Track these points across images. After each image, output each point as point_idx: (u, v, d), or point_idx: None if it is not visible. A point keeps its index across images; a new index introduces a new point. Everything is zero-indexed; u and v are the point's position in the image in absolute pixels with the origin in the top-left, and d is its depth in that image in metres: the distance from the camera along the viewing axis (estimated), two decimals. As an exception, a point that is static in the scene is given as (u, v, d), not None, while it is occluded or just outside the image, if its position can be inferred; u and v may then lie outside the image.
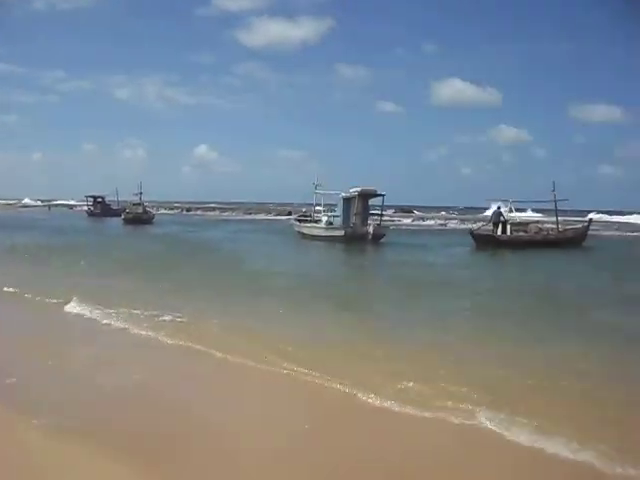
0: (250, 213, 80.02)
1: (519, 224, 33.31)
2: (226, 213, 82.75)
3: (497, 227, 31.31)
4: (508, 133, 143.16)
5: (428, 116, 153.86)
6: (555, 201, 32.71)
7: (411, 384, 7.21)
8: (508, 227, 31.36)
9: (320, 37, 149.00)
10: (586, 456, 5.40)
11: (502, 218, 31.52)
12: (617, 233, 47.47)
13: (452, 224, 59.97)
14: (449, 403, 6.63)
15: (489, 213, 35.41)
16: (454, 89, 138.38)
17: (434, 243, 34.57)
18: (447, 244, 33.82)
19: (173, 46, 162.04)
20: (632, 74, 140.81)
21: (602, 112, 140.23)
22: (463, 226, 53.79)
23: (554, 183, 32.54)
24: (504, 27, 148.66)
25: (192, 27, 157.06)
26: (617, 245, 35.63)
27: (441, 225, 60.20)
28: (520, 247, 29.94)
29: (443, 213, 79.96)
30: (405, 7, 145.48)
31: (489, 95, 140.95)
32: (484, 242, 30.99)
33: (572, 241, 31.21)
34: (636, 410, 6.87)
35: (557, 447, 5.57)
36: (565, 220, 39.66)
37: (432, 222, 63.99)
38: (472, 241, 31.62)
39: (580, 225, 34.27)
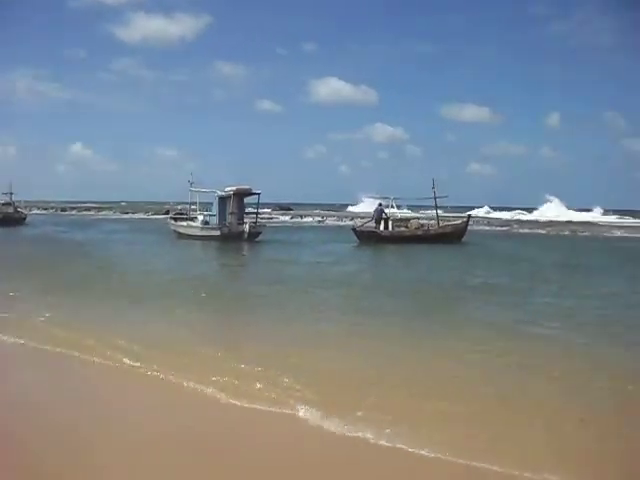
0: (127, 212, 77.48)
1: (400, 220, 34.68)
2: (103, 212, 79.86)
3: (379, 223, 32.77)
4: (384, 131, 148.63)
5: (307, 114, 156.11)
6: (435, 198, 34.48)
7: (240, 379, 7.51)
8: (390, 223, 32.88)
9: (198, 34, 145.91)
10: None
11: (384, 215, 32.98)
12: (487, 228, 50.92)
13: (330, 221, 62.35)
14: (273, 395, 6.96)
15: (353, 209, 36.76)
16: (331, 88, 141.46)
17: (312, 239, 35.51)
18: (327, 240, 34.86)
19: (44, 38, 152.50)
20: (498, 76, 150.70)
21: (471, 112, 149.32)
22: (341, 223, 56.74)
23: (434, 180, 34.44)
24: (379, 27, 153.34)
25: (64, 19, 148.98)
26: (490, 239, 38.02)
27: (319, 222, 61.93)
28: (402, 242, 31.41)
29: (318, 210, 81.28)
30: (284, 6, 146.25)
31: (365, 94, 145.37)
32: (367, 238, 32.28)
33: (452, 236, 32.93)
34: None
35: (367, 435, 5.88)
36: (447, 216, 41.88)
37: (310, 219, 65.57)
38: (355, 237, 32.78)
39: (460, 221, 36.10)
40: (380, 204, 34.01)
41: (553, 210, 69.72)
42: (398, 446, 5.61)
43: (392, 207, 35.12)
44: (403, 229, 33.52)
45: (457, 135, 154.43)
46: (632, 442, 5.93)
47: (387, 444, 5.67)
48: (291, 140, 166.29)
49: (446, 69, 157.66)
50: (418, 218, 37.09)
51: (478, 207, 74.24)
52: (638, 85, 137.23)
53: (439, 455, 5.42)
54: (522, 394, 7.24)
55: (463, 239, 33.58)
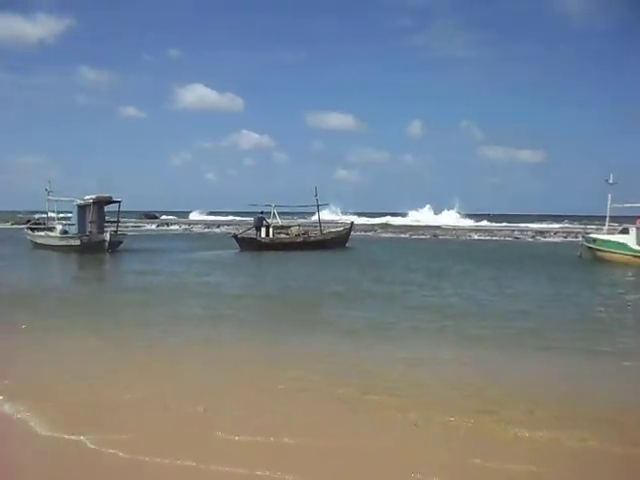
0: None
1: (281, 227, 35.73)
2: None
3: (260, 231, 34.05)
4: (250, 138, 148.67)
5: (172, 121, 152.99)
6: (318, 205, 36.77)
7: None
8: (270, 230, 34.08)
9: (59, 37, 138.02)
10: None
11: (265, 222, 34.31)
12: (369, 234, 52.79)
13: (197, 228, 62.39)
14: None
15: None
16: (197, 95, 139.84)
17: (178, 248, 34.78)
18: (200, 248, 34.51)
19: None
20: (362, 84, 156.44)
21: (336, 120, 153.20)
22: (207, 230, 57.47)
23: (316, 189, 36.39)
24: (245, 33, 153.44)
25: None
26: (371, 245, 39.75)
27: (186, 230, 61.45)
28: (282, 249, 32.36)
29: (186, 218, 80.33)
30: (149, 10, 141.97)
31: (231, 101, 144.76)
32: (248, 245, 33.31)
33: (335, 242, 34.76)
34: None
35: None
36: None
37: (177, 227, 65.41)
38: (237, 244, 33.61)
39: (342, 228, 38.04)
40: (261, 212, 35.23)
41: (422, 215, 74.29)
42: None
43: (274, 215, 36.30)
44: (283, 236, 34.51)
45: (324, 142, 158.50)
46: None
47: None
48: (157, 147, 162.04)
49: (312, 77, 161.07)
50: (299, 225, 38.14)
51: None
52: (491, 97, 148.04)
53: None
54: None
55: (347, 245, 35.47)
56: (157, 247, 35.17)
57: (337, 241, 35.10)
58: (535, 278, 20.93)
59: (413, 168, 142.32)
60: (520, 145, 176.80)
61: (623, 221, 28.76)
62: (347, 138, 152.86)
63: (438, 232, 52.68)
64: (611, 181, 29.38)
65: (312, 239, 34.94)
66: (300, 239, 34.29)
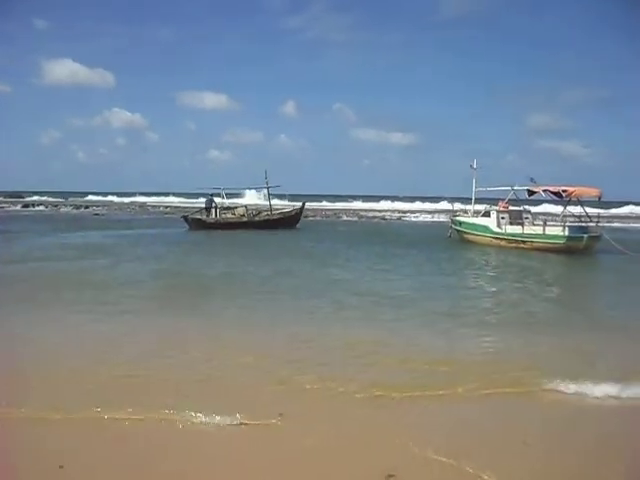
0: None
1: (228, 208, 40.01)
2: None
3: (209, 211, 38.69)
4: (122, 117, 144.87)
5: (40, 97, 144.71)
6: (268, 187, 40.38)
7: None
8: (217, 211, 38.64)
9: None
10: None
11: (214, 204, 38.85)
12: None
13: (64, 209, 63.52)
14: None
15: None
16: (66, 69, 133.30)
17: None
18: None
19: None
20: (236, 64, 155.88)
21: (210, 100, 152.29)
22: (76, 211, 56.69)
23: (266, 172, 39.96)
24: (118, 6, 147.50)
25: None
26: (324, 225, 44.26)
27: (53, 209, 62.70)
28: (229, 228, 36.69)
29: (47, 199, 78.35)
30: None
31: (102, 77, 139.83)
32: (196, 225, 37.81)
33: (282, 223, 38.48)
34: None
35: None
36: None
37: (43, 207, 65.94)
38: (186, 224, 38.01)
39: (291, 209, 41.49)
40: (211, 194, 39.73)
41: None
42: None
43: (222, 197, 41.10)
44: (230, 216, 38.62)
45: (197, 122, 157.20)
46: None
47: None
48: (24, 124, 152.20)
49: (185, 55, 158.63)
50: (245, 206, 40.79)
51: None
52: (363, 80, 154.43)
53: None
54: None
55: (298, 225, 39.61)
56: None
57: (285, 222, 38.85)
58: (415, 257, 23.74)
59: (288, 149, 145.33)
60: (391, 128, 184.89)
61: (490, 203, 32.40)
62: (221, 118, 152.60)
63: (308, 213, 55.34)
64: (475, 166, 33.26)
65: (257, 219, 38.64)
66: (245, 219, 38.21)
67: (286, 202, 50.51)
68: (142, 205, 74.20)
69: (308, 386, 8.15)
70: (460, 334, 11.34)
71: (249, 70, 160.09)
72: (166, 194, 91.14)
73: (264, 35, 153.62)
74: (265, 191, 42.36)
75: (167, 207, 68.35)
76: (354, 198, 77.58)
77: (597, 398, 7.91)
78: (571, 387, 8.13)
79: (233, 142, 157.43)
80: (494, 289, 17.51)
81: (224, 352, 9.79)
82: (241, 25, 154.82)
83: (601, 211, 31.44)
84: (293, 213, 40.54)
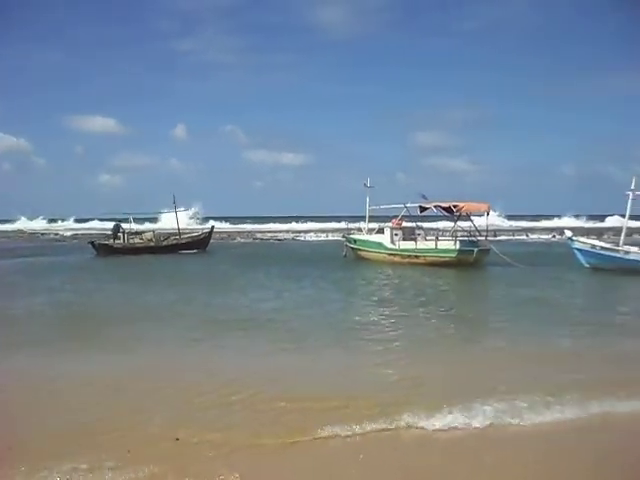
0: None
1: (135, 233, 39.95)
2: None
3: (116, 237, 38.50)
4: (6, 142, 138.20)
5: None
6: (176, 211, 41.14)
7: None
8: (125, 236, 38.51)
9: None
10: None
11: (121, 229, 38.71)
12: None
13: None
14: None
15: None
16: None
17: None
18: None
19: None
20: (126, 88, 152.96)
21: (99, 124, 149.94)
22: None
23: (174, 196, 40.77)
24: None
25: None
26: (233, 248, 44.04)
27: None
28: (136, 253, 36.62)
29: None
30: None
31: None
32: (103, 250, 37.28)
33: (191, 246, 38.78)
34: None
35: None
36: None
37: None
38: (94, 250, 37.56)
39: (200, 232, 42.16)
40: (119, 221, 39.69)
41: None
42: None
43: (130, 222, 40.75)
44: (137, 241, 38.50)
45: (86, 147, 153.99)
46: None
47: None
48: None
49: (72, 78, 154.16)
50: (153, 231, 41.25)
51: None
52: (254, 102, 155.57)
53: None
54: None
55: (207, 248, 39.89)
56: None
57: (193, 245, 39.14)
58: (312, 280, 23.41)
59: (179, 172, 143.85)
60: (283, 148, 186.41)
61: (384, 221, 32.68)
62: (110, 142, 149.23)
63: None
64: (368, 184, 33.73)
65: (164, 244, 38.81)
66: (152, 243, 38.30)
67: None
68: (33, 232, 69.63)
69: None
70: (354, 362, 10.97)
71: (139, 93, 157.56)
72: (54, 220, 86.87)
73: (153, 57, 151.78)
74: (182, 214, 43.36)
75: (56, 234, 64.86)
76: (246, 219, 77.33)
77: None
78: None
79: (123, 166, 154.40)
80: (387, 309, 16.88)
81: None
82: (129, 48, 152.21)
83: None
84: (202, 236, 40.83)
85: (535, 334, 13.00)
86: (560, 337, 12.77)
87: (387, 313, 15.86)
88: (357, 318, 15.11)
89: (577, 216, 76.82)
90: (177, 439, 7.12)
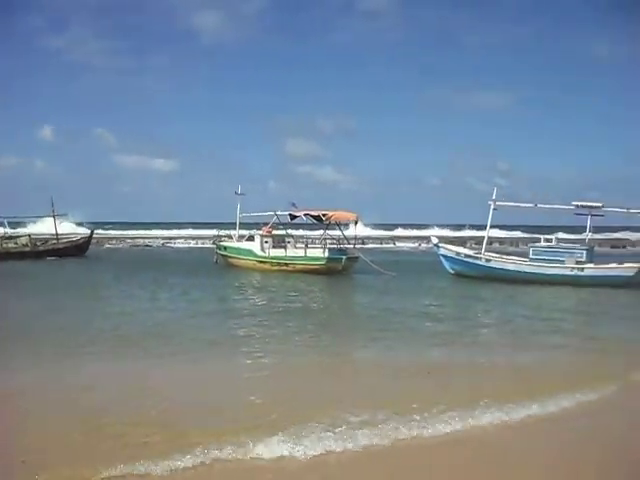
0: None
1: (10, 237, 38.41)
2: None
3: None
4: None
5: None
6: (54, 215, 39.76)
7: None
8: None
9: None
10: None
11: None
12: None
13: None
14: None
15: None
16: None
17: None
18: None
19: None
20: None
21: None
22: None
23: (52, 198, 39.73)
24: None
25: None
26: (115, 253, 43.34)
27: None
28: (10, 258, 34.70)
29: None
30: None
31: None
32: None
33: (69, 251, 37.45)
34: None
35: None
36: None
37: None
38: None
39: (79, 237, 40.97)
40: None
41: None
42: None
43: (4, 226, 40.19)
44: (12, 245, 37.09)
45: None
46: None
47: None
48: None
49: None
50: (29, 235, 39.78)
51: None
52: (124, 105, 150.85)
53: None
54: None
55: (87, 253, 38.93)
56: None
57: (72, 250, 37.73)
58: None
59: (46, 175, 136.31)
60: (154, 154, 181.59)
61: (254, 228, 32.82)
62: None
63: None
64: (239, 192, 33.77)
65: (41, 248, 37.93)
66: (27, 248, 37.09)
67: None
68: None
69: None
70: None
71: (2, 90, 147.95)
72: None
73: (18, 55, 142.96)
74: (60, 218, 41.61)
75: None
76: (115, 225, 74.56)
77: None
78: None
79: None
80: (255, 319, 16.36)
81: None
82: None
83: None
84: (81, 241, 39.78)
85: (406, 346, 13.11)
86: (431, 347, 13.05)
87: (254, 325, 15.40)
88: (221, 330, 14.72)
89: (442, 225, 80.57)
90: None
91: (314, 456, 6.94)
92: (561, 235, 42.90)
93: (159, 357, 11.74)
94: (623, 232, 71.28)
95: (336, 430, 7.57)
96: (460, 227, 76.50)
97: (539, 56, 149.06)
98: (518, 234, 66.92)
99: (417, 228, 79.99)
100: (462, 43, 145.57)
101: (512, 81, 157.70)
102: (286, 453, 6.96)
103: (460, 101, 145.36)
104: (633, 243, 63.07)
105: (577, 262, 25.25)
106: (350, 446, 7.22)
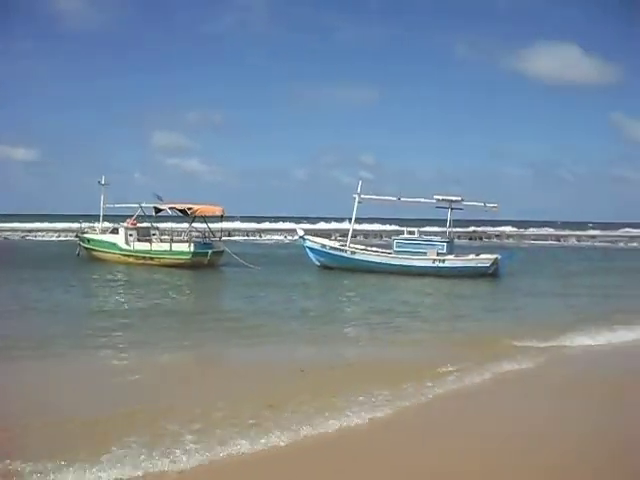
0: None
1: None
2: None
3: None
4: None
5: None
6: None
7: None
8: None
9: None
10: None
11: None
12: None
13: None
14: None
15: None
16: None
17: None
18: None
19: None
20: None
21: None
22: None
23: None
24: None
25: None
26: None
27: None
28: None
29: None
30: None
31: None
32: None
33: None
34: None
35: None
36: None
37: None
38: None
39: None
40: None
41: None
42: None
43: None
44: None
45: None
46: None
47: None
48: None
49: None
50: None
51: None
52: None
53: None
54: None
55: None
56: None
57: None
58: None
59: None
60: (15, 143, 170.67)
61: (119, 220, 32.22)
62: None
63: None
64: (103, 182, 33.17)
65: None
66: None
67: None
68: None
69: None
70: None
71: None
72: None
73: None
74: None
75: None
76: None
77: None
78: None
79: None
80: (113, 319, 15.80)
81: None
82: None
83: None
84: None
85: (275, 344, 13.08)
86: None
87: (114, 324, 14.79)
88: (71, 328, 14.21)
89: (308, 218, 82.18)
90: None
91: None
92: (428, 229, 45.69)
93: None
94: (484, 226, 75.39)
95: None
96: (327, 220, 78.44)
97: (404, 54, 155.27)
98: (395, 227, 68.37)
99: (283, 221, 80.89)
100: (330, 40, 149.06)
101: (378, 77, 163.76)
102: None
103: (327, 96, 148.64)
104: (489, 235, 68.14)
105: (438, 254, 26.98)
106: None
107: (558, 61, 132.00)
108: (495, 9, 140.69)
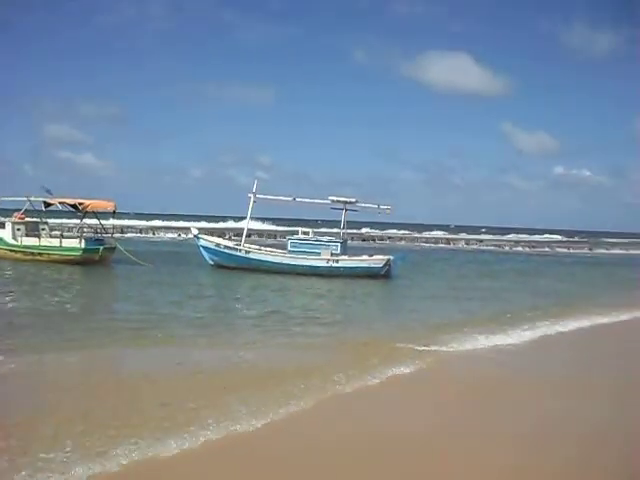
0: None
1: None
2: None
3: None
4: None
5: None
6: None
7: None
8: None
9: None
10: None
11: None
12: None
13: None
14: None
15: None
16: None
17: None
18: None
19: None
20: None
21: None
22: None
23: None
24: None
25: None
26: None
27: None
28: None
29: None
30: None
31: None
32: None
33: None
34: None
35: None
36: None
37: None
38: None
39: None
40: None
41: None
42: None
43: None
44: None
45: None
46: None
47: None
48: None
49: None
50: None
51: None
52: None
53: None
54: None
55: None
56: None
57: None
58: None
59: None
60: None
61: (6, 214, 31.29)
62: None
63: None
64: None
65: None
66: None
67: None
68: None
69: None
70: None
71: None
72: None
73: None
74: None
75: None
76: None
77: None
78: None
79: None
80: None
81: None
82: None
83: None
84: None
85: (169, 347, 12.76)
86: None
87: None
88: None
89: (202, 216, 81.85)
90: None
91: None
92: (324, 229, 46.43)
93: None
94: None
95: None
96: (223, 219, 78.52)
97: (301, 54, 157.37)
98: (290, 228, 68.81)
99: (178, 219, 79.89)
100: (231, 37, 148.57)
101: (276, 77, 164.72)
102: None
103: (225, 94, 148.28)
104: (382, 237, 70.56)
105: (332, 254, 27.68)
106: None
107: (450, 69, 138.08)
108: (393, 16, 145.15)
